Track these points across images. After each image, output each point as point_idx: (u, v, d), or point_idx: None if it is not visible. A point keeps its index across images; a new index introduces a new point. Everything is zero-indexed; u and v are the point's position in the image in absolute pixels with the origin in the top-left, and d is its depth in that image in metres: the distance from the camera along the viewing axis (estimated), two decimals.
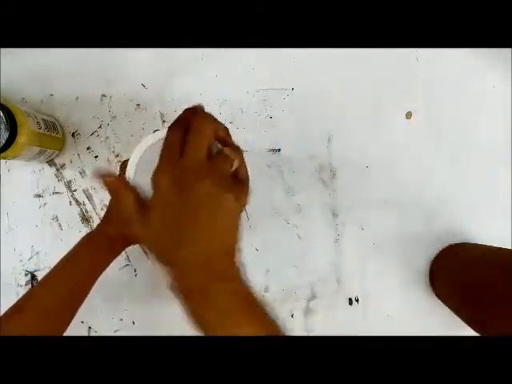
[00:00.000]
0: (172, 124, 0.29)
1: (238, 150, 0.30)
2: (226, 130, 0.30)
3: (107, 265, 0.43)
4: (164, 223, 0.28)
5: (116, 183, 0.31)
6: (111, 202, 0.45)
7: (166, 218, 0.28)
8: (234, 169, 0.30)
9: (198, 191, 0.27)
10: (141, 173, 0.34)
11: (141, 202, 0.30)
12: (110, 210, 0.45)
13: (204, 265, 0.28)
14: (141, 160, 0.34)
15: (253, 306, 0.29)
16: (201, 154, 0.28)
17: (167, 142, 0.29)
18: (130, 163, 0.34)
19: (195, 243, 0.28)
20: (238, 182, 0.30)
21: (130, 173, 0.33)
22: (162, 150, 0.29)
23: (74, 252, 0.41)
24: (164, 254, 0.29)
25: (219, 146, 0.31)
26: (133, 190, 0.31)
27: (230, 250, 0.30)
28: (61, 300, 0.39)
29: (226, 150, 0.29)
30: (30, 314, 0.37)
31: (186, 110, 0.30)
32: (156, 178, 0.28)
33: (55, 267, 0.40)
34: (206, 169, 0.27)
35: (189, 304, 0.28)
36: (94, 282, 0.42)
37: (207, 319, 0.28)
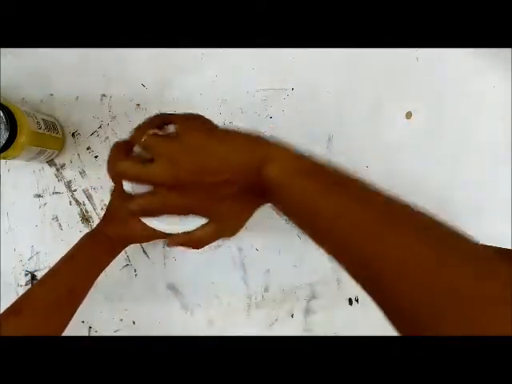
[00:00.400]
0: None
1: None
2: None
3: (107, 264, 0.43)
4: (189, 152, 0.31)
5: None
6: (111, 201, 0.45)
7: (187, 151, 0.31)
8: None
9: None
10: None
11: None
12: (110, 209, 0.45)
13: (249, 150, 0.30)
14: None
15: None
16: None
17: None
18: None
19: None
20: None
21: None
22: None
23: (73, 251, 0.41)
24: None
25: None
26: None
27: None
28: (60, 299, 0.39)
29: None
30: (29, 313, 0.37)
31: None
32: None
33: (55, 266, 0.40)
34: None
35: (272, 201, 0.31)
36: (93, 281, 0.42)
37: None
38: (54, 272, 0.40)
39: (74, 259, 0.41)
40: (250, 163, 0.29)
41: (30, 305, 0.37)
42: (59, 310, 0.39)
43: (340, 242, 0.26)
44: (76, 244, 0.42)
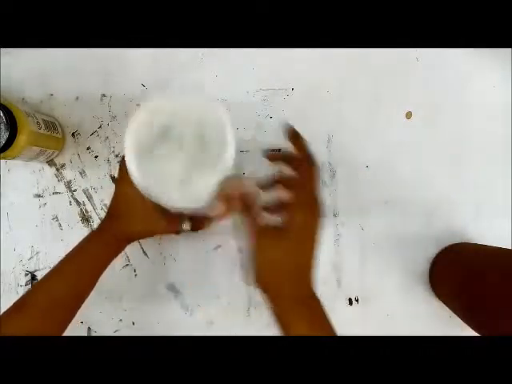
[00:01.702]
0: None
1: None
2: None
3: (110, 261, 0.43)
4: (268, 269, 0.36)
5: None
6: (114, 199, 0.45)
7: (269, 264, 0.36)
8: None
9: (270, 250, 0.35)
10: (143, 163, 0.33)
11: None
12: (115, 206, 0.44)
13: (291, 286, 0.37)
14: (139, 148, 0.33)
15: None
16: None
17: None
18: (126, 151, 0.33)
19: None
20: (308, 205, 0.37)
21: (130, 161, 0.33)
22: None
23: (77, 250, 0.41)
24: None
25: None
26: None
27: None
28: (63, 297, 0.39)
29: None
30: (31, 311, 0.37)
31: None
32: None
33: (58, 265, 0.40)
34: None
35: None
36: (97, 279, 0.42)
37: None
38: (57, 270, 0.40)
39: (77, 257, 0.41)
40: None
41: (32, 303, 0.37)
42: (62, 308, 0.39)
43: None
44: (79, 243, 0.42)
